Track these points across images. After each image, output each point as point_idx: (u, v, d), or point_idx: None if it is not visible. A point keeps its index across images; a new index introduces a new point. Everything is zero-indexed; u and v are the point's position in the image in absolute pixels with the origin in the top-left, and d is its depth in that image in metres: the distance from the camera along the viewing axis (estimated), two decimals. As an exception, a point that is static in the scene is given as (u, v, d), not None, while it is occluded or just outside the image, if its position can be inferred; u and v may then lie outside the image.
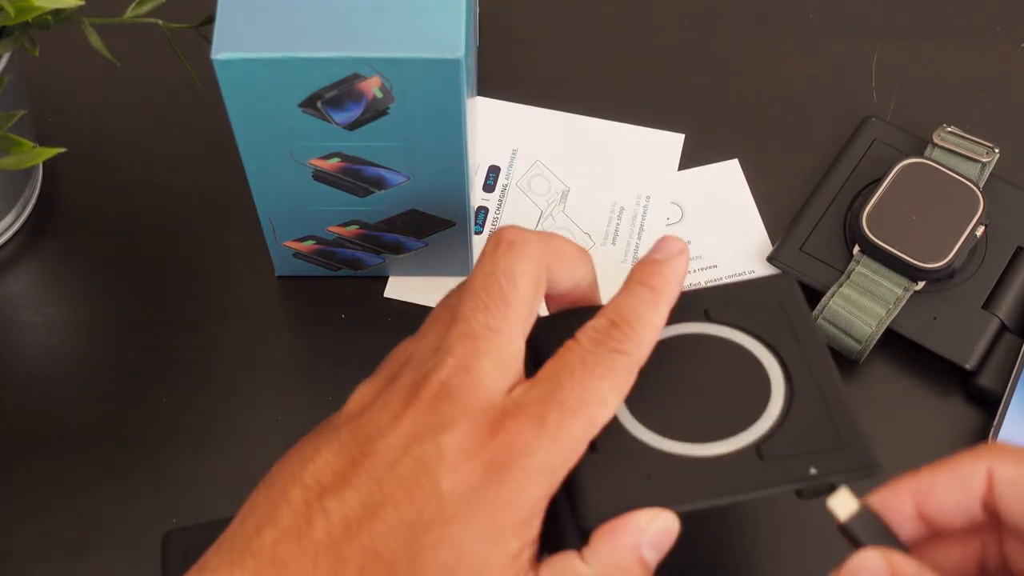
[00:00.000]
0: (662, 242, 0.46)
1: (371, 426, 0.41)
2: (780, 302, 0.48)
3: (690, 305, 0.47)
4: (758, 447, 0.44)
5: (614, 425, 0.43)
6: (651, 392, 0.44)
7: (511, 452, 0.40)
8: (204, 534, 0.47)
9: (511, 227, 0.44)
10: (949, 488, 0.41)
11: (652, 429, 0.44)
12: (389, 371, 0.44)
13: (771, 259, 0.59)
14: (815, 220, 0.60)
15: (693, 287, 0.51)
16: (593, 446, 0.42)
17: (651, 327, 0.43)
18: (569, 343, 0.43)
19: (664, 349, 0.46)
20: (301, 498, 0.40)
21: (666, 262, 0.45)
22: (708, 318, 0.47)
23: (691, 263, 0.61)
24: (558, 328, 0.45)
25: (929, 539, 0.42)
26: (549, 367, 0.42)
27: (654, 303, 0.44)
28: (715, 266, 0.61)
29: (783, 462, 0.43)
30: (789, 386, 0.45)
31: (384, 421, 0.41)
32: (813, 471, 0.43)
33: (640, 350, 0.43)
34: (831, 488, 0.43)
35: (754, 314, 0.47)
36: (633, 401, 0.44)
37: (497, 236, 0.44)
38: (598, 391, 0.41)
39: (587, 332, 0.43)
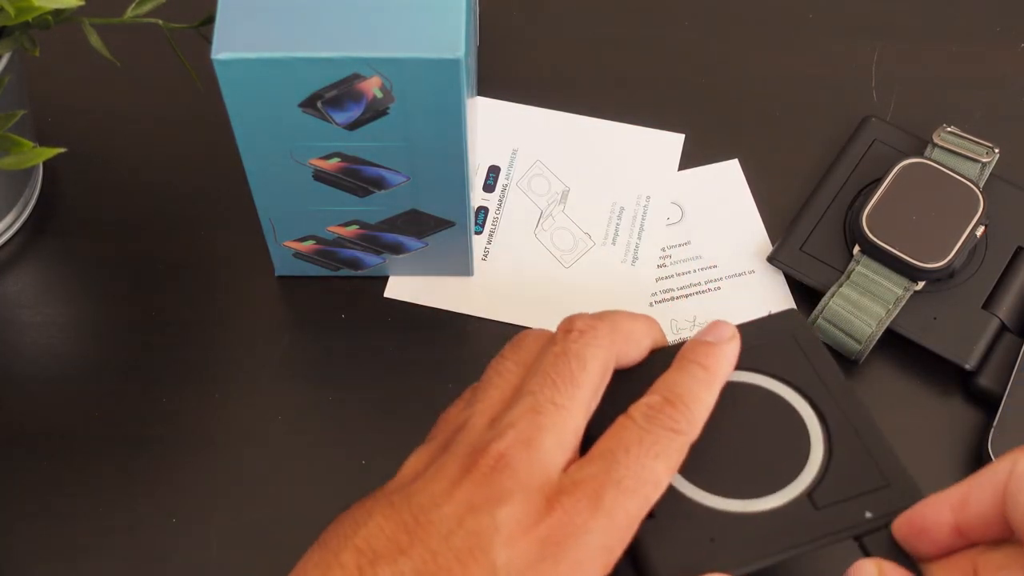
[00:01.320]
0: (714, 326, 0.46)
1: (425, 495, 0.41)
2: (795, 339, 0.49)
3: None
4: (810, 495, 0.44)
5: (668, 487, 0.44)
6: (696, 448, 0.44)
7: (568, 530, 0.40)
8: None
9: (581, 316, 0.45)
10: (981, 490, 0.41)
11: (704, 488, 0.45)
12: (443, 437, 0.44)
13: (771, 259, 0.59)
14: (815, 220, 0.60)
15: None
16: (650, 512, 0.43)
17: (704, 406, 0.44)
18: (623, 420, 0.43)
19: None
20: (354, 563, 0.39)
21: (719, 345, 0.45)
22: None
23: (691, 263, 0.61)
24: (605, 396, 0.45)
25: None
26: (604, 444, 0.42)
27: (707, 383, 0.44)
28: (715, 266, 0.61)
29: (838, 508, 0.44)
30: (825, 428, 0.46)
31: (438, 490, 0.41)
32: (869, 515, 0.44)
33: (693, 429, 0.43)
34: (886, 527, 0.43)
35: (776, 356, 0.48)
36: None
37: (568, 324, 0.44)
38: (654, 471, 0.41)
39: (641, 409, 0.43)
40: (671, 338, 0.58)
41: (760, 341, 0.48)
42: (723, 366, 0.45)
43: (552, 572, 0.39)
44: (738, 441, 0.46)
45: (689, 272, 0.61)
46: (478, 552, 0.39)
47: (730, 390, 0.47)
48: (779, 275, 0.60)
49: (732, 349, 0.46)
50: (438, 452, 0.43)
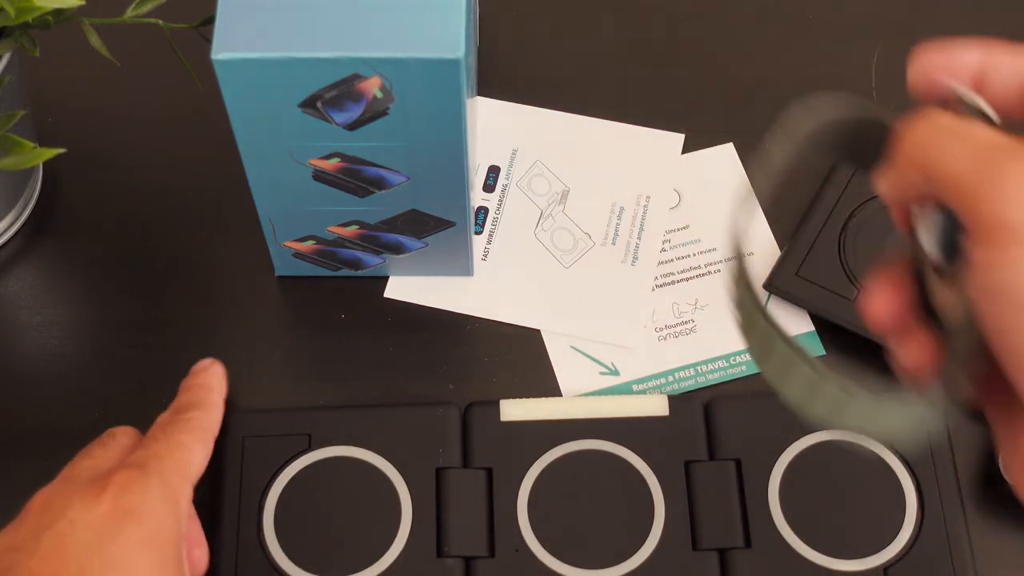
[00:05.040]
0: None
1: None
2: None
3: None
4: (885, 570, 0.51)
5: (768, 524, 0.52)
6: (800, 496, 0.52)
7: (130, 499, 0.45)
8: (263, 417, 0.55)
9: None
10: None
11: (799, 536, 0.52)
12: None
13: (767, 287, 0.58)
14: (809, 243, 0.59)
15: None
16: (749, 542, 0.52)
17: (213, 406, 0.53)
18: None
19: (820, 451, 0.53)
20: None
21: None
22: None
23: (690, 247, 0.61)
24: None
25: None
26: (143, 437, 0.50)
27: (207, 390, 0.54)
28: (714, 249, 0.61)
29: None
30: (921, 514, 0.51)
31: (8, 536, 0.46)
32: None
33: (209, 414, 0.52)
34: None
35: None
36: (786, 503, 0.52)
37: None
38: (181, 442, 0.49)
39: (162, 416, 0.52)
40: (672, 321, 0.59)
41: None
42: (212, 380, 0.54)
43: (135, 534, 0.45)
44: (841, 501, 0.53)
45: (689, 256, 0.61)
46: (67, 547, 0.44)
47: (852, 451, 0.53)
48: (776, 258, 0.60)
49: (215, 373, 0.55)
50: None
